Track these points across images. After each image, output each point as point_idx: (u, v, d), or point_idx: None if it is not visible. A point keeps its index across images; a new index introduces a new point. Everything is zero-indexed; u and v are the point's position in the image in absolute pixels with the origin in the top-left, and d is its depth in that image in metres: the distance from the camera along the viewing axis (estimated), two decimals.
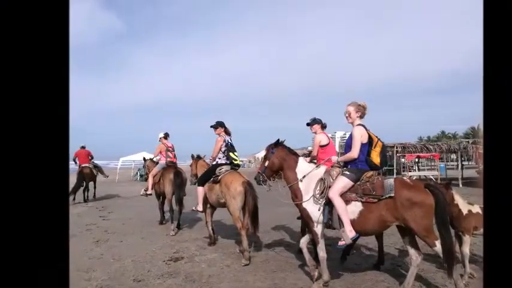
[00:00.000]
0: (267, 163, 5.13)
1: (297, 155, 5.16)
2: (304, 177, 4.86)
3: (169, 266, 5.78)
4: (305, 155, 6.78)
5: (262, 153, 6.08)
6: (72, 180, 12.83)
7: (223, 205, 6.52)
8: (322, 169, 4.90)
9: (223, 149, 6.77)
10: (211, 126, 6.94)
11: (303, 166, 4.99)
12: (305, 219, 4.97)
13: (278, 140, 5.20)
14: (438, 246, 4.18)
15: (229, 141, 6.87)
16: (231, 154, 6.76)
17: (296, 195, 4.87)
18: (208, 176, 6.79)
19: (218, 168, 6.68)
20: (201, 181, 6.93)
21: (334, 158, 5.09)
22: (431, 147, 22.71)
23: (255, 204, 6.14)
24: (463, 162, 25.64)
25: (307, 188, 4.78)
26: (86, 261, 6.06)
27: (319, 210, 4.63)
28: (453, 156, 29.61)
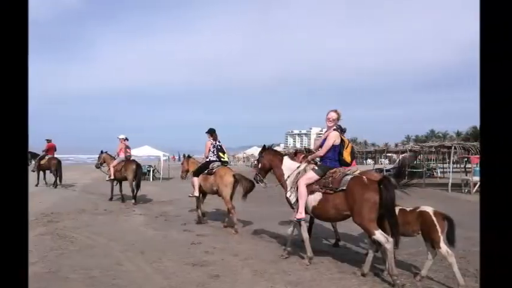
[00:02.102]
0: (260, 165, 6.85)
1: (281, 155, 6.80)
2: (289, 177, 6.25)
3: None
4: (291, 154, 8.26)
5: (250, 150, 7.48)
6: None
7: (215, 192, 8.84)
8: (302, 166, 6.19)
9: (212, 150, 9.07)
10: (206, 132, 9.28)
11: (287, 162, 6.50)
12: (291, 207, 6.28)
13: (264, 145, 6.97)
14: (377, 234, 4.93)
15: (218, 143, 9.15)
16: (220, 154, 9.07)
17: (285, 189, 6.33)
18: (203, 169, 9.12)
19: (211, 164, 8.96)
20: (197, 173, 9.28)
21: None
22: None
23: (252, 184, 8.17)
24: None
25: (291, 183, 6.14)
26: None
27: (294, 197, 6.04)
28: None
